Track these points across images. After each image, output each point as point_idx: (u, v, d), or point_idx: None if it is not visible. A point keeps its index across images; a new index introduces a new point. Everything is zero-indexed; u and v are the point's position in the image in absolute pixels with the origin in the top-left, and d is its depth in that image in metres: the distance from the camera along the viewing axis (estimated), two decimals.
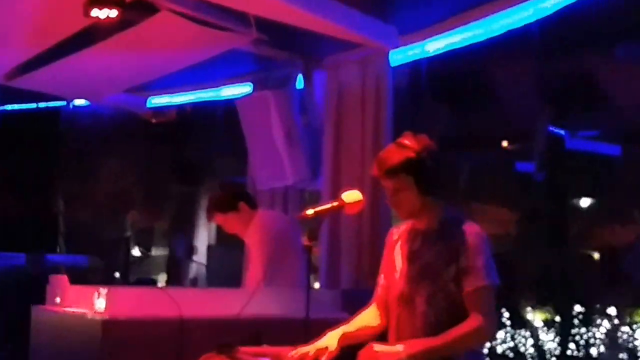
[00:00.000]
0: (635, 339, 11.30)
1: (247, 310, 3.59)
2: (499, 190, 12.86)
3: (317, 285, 5.62)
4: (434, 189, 3.16)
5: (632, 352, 11.07)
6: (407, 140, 3.15)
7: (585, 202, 13.39)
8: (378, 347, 2.97)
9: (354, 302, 4.16)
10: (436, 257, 3.12)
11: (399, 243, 3.29)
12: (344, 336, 3.18)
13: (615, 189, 11.78)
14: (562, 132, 9.78)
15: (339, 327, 3.22)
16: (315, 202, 5.81)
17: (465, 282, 3.05)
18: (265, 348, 3.21)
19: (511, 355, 11.94)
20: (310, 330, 3.13)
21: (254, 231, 4.83)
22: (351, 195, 3.29)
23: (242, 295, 3.94)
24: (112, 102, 7.75)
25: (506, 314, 12.18)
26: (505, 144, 11.20)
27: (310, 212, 3.22)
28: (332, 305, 4.25)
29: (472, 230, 3.11)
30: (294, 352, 3.09)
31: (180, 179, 13.36)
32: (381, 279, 3.36)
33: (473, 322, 3.01)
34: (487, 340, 3.03)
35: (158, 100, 7.70)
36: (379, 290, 3.37)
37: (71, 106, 8.37)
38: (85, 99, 7.90)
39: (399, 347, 2.97)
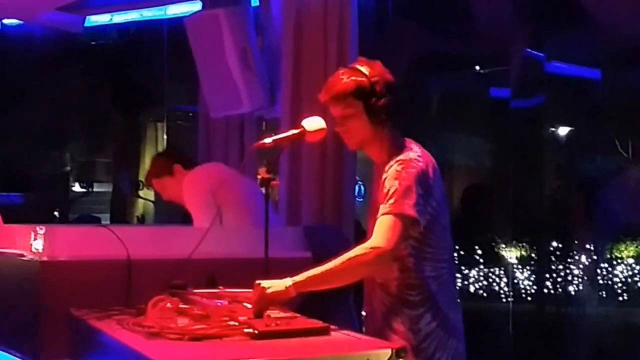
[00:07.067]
0: (615, 275, 11.52)
1: (201, 249, 3.57)
2: (472, 118, 12.89)
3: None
4: (386, 117, 3.15)
5: (611, 288, 11.29)
6: (358, 65, 3.17)
7: (563, 130, 13.48)
8: (266, 283, 2.89)
9: (318, 240, 4.17)
10: (378, 192, 3.15)
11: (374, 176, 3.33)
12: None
13: (595, 116, 11.86)
14: (540, 55, 9.77)
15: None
16: (273, 130, 5.77)
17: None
18: (221, 291, 3.19)
19: (484, 294, 12.12)
20: (270, 270, 3.12)
21: (185, 194, 4.78)
22: (313, 122, 3.26)
23: (194, 233, 3.91)
24: (45, 21, 7.57)
25: (479, 251, 12.33)
26: (478, 67, 11.18)
27: (268, 141, 3.20)
28: (293, 243, 4.23)
29: (401, 157, 3.12)
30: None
31: (123, 108, 13.19)
32: None
33: (363, 250, 2.99)
34: (376, 268, 3.07)
35: (97, 19, 7.55)
36: None
37: None
38: (16, 17, 7.72)
39: (287, 281, 2.92)
